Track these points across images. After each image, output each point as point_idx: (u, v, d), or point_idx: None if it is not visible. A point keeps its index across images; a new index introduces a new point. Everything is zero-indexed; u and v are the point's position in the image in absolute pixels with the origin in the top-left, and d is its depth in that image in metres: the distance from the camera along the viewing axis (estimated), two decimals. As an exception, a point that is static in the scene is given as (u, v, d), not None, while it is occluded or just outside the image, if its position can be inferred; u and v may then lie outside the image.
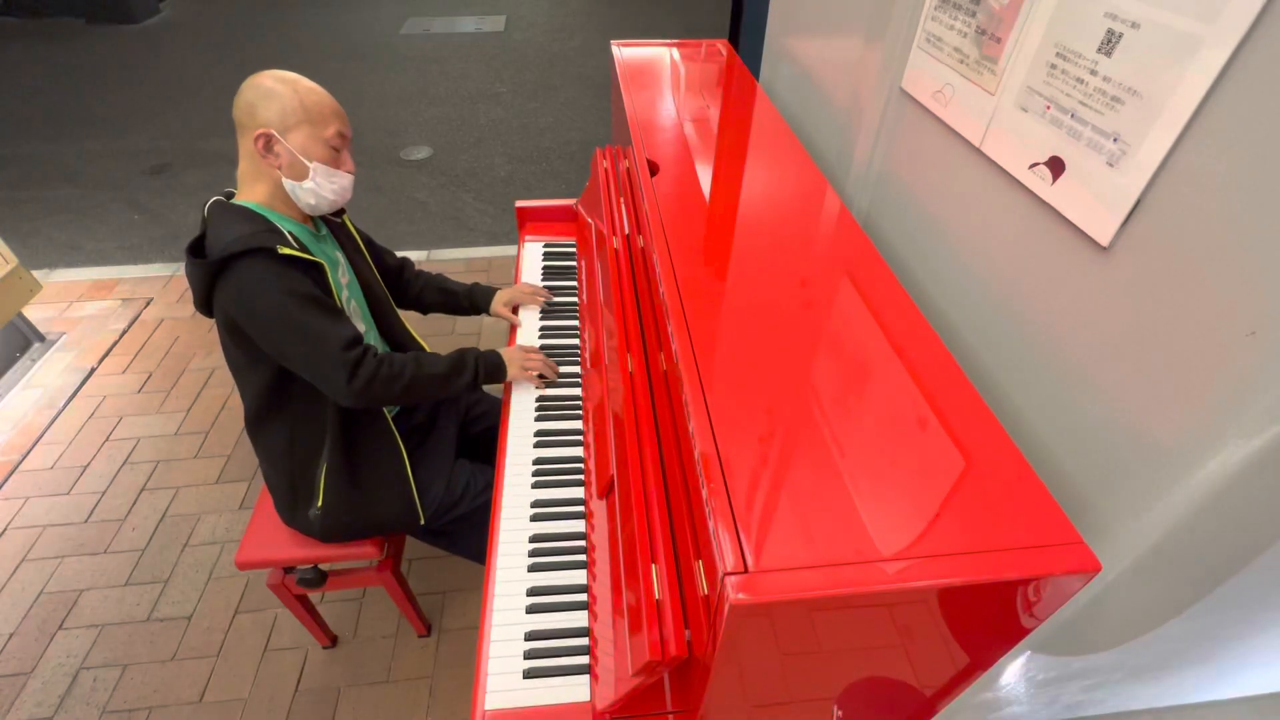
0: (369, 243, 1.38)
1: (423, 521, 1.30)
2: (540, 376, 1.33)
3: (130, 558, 1.81)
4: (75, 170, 3.73)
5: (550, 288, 1.60)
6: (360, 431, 1.22)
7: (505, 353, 1.33)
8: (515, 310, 1.54)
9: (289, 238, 1.06)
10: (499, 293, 1.54)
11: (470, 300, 1.52)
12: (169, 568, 1.79)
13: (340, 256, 1.26)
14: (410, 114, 4.40)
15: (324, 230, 1.24)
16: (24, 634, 1.64)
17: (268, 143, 1.04)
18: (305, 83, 1.07)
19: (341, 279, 1.22)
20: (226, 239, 1.00)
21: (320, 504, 1.21)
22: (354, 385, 1.08)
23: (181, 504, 1.95)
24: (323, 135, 1.07)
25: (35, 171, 3.72)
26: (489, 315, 1.53)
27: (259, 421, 1.18)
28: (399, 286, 1.48)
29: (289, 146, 1.05)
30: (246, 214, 1.06)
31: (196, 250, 1.05)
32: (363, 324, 1.26)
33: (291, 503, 1.23)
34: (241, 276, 1.01)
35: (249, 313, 1.02)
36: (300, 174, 1.08)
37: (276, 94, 1.03)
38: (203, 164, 3.80)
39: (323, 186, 1.10)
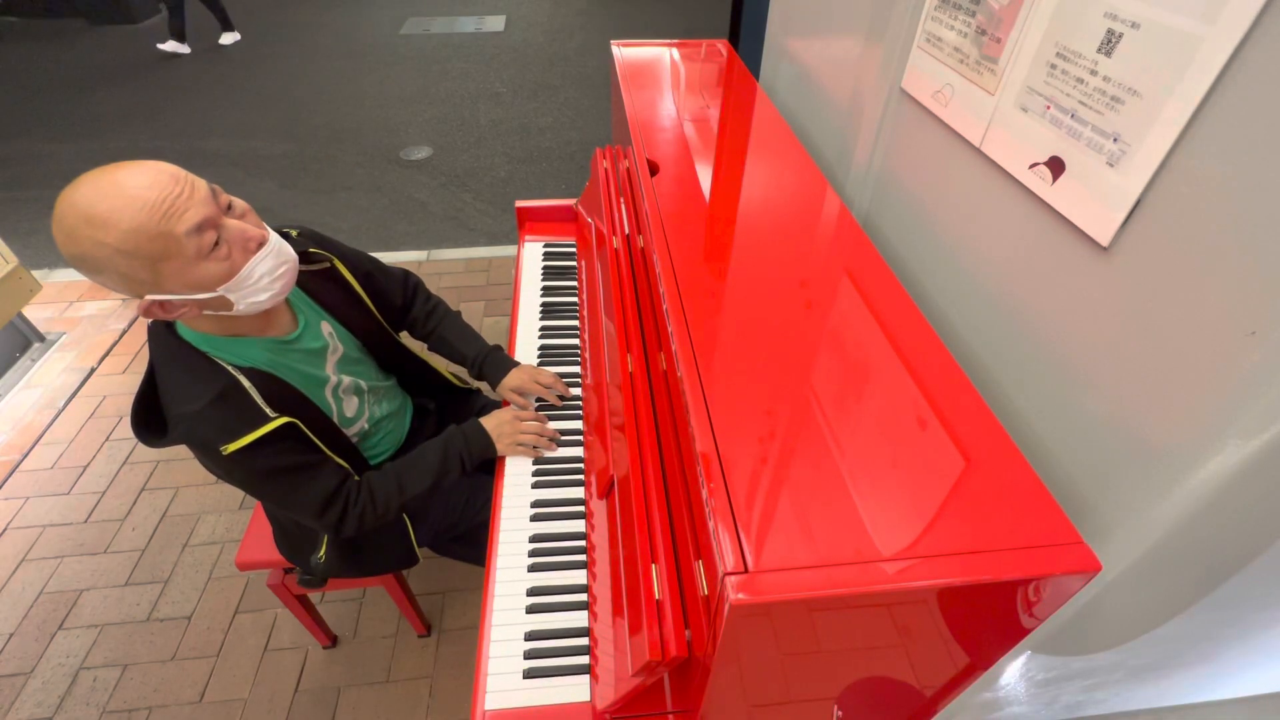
0: (369, 276, 1.21)
1: (419, 561, 1.30)
2: (535, 448, 1.19)
3: (130, 558, 1.81)
4: (75, 170, 3.63)
5: (550, 288, 1.59)
6: None
7: (493, 426, 1.17)
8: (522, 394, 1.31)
9: (248, 390, 0.89)
10: (512, 374, 1.29)
11: (479, 371, 1.33)
12: (169, 568, 1.79)
13: (325, 330, 1.09)
14: (410, 114, 4.40)
15: (301, 320, 1.04)
16: (24, 634, 1.64)
17: (162, 307, 0.83)
18: (104, 205, 0.75)
19: (330, 360, 1.09)
20: (175, 411, 0.86)
21: (322, 556, 1.20)
22: (341, 536, 1.07)
23: (181, 504, 1.95)
24: (185, 255, 0.78)
25: (35, 171, 3.72)
26: (494, 392, 1.35)
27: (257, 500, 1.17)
28: (404, 323, 1.36)
29: (177, 296, 0.82)
30: (196, 366, 0.88)
31: (146, 401, 0.90)
32: (355, 395, 1.15)
33: (292, 550, 1.24)
34: (198, 452, 0.90)
35: (217, 475, 0.96)
36: (220, 304, 0.86)
37: (96, 262, 0.76)
38: (203, 164, 3.79)
39: (253, 293, 0.87)
